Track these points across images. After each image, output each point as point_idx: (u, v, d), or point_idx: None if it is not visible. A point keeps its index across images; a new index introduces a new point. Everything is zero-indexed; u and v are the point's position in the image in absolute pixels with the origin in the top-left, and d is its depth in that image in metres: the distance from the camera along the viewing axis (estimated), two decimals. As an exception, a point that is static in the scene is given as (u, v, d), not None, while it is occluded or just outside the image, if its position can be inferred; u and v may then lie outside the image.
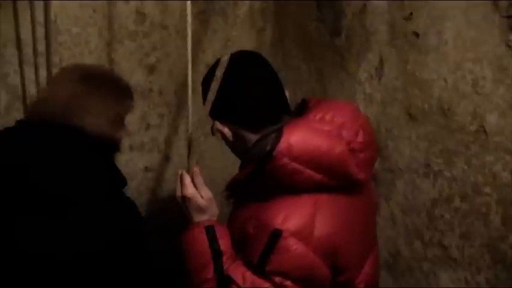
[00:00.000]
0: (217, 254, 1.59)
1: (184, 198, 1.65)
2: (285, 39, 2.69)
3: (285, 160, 1.49)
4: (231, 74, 1.60)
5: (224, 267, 1.57)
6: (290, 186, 1.53)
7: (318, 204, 1.54)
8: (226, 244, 1.61)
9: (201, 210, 1.65)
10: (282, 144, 1.49)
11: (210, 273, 1.57)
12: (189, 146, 1.71)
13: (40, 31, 1.92)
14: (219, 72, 1.62)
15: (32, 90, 2.12)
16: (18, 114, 2.10)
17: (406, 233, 2.11)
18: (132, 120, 2.37)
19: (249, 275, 1.52)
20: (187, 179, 1.65)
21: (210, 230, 1.62)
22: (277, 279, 1.50)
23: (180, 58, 2.42)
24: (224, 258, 1.58)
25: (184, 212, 1.68)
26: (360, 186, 1.63)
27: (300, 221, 1.51)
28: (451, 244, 1.96)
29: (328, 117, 1.58)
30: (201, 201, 1.64)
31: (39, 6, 1.92)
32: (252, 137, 1.62)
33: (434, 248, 2.02)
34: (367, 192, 1.71)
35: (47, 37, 1.66)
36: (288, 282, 1.50)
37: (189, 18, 1.66)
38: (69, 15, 2.15)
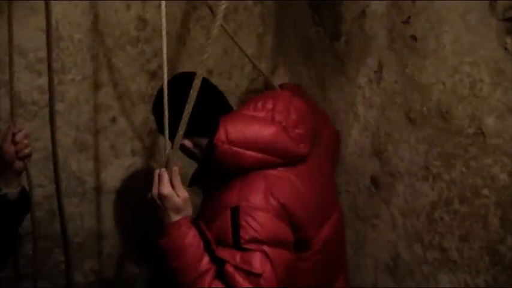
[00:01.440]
0: (208, 244, 1.71)
1: (161, 196, 1.68)
2: (285, 44, 2.71)
3: (225, 146, 1.74)
4: (177, 96, 1.68)
5: (215, 255, 1.70)
6: (237, 168, 1.77)
7: (267, 178, 1.77)
8: (210, 234, 1.74)
9: (177, 209, 1.69)
10: (219, 133, 1.74)
11: (206, 264, 1.68)
12: (170, 145, 1.71)
13: (42, 37, 1.93)
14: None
15: (35, 96, 2.14)
16: (22, 120, 2.12)
17: (406, 236, 2.12)
18: (134, 125, 2.39)
19: (234, 252, 1.67)
20: (165, 178, 1.68)
21: (196, 225, 1.73)
22: (254, 246, 1.66)
23: (182, 64, 2.44)
24: (213, 247, 1.71)
25: (157, 210, 1.72)
26: (304, 158, 1.88)
27: (252, 193, 1.72)
28: (450, 246, 1.96)
29: (259, 105, 1.87)
30: (178, 201, 1.69)
31: (41, 12, 1.94)
32: (204, 141, 1.83)
33: (434, 250, 2.02)
34: (317, 161, 1.98)
35: (48, 43, 1.67)
36: (265, 247, 1.67)
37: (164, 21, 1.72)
38: (71, 22, 2.18)
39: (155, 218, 2.04)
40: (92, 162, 2.35)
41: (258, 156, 1.76)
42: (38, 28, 2.06)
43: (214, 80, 2.55)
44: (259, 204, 1.71)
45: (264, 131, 1.78)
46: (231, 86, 2.66)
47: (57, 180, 1.81)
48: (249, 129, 1.77)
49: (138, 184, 2.48)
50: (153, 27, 2.36)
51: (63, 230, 1.87)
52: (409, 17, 2.01)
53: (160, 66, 2.39)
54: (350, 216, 2.35)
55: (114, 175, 2.43)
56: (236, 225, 1.68)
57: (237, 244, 1.67)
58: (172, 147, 1.69)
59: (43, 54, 1.93)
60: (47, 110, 1.82)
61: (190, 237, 1.68)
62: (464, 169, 1.89)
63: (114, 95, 2.34)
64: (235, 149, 1.74)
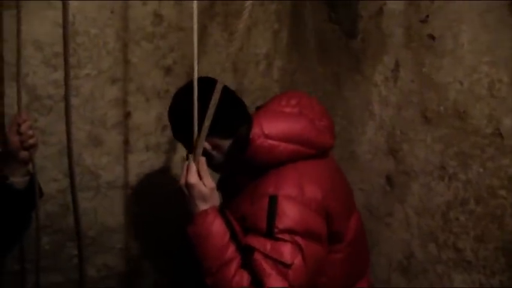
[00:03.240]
0: (234, 233, 1.73)
1: (188, 185, 1.70)
2: (300, 42, 2.70)
3: (261, 139, 1.78)
4: (200, 99, 1.69)
5: (242, 244, 1.72)
6: (273, 161, 1.81)
7: (300, 169, 1.82)
8: (236, 225, 1.76)
9: (204, 198, 1.71)
10: (255, 128, 1.79)
11: (232, 252, 1.70)
12: (197, 136, 1.72)
13: (59, 32, 1.93)
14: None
15: (50, 90, 2.14)
16: (37, 115, 2.13)
17: (421, 235, 2.11)
18: (148, 121, 2.40)
19: (265, 241, 1.69)
20: (193, 168, 1.70)
21: (223, 213, 1.74)
22: (287, 237, 1.68)
23: (198, 60, 2.44)
24: (240, 237, 1.73)
25: (185, 199, 1.73)
26: (328, 151, 1.96)
27: (288, 184, 1.76)
28: (465, 247, 1.96)
29: (284, 102, 1.95)
30: (204, 190, 1.70)
31: (57, 7, 1.94)
32: (226, 143, 1.84)
33: (448, 250, 2.02)
34: (334, 161, 2.05)
35: (65, 38, 1.67)
36: (298, 238, 1.69)
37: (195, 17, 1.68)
38: (87, 17, 2.18)
39: (169, 213, 2.05)
40: (106, 157, 2.36)
41: (293, 148, 1.81)
42: (55, 23, 2.06)
43: (229, 77, 2.56)
44: (296, 195, 1.74)
45: (295, 124, 1.85)
46: (246, 83, 2.65)
47: (71, 174, 1.81)
48: (281, 123, 1.84)
49: (152, 179, 2.49)
50: (169, 23, 2.36)
51: (76, 224, 1.87)
52: (427, 16, 2.00)
53: (176, 62, 2.40)
54: (364, 214, 2.34)
55: (128, 170, 2.43)
56: (273, 213, 1.70)
57: (270, 232, 1.69)
58: (198, 140, 1.70)
59: (59, 48, 1.93)
60: (62, 104, 1.83)
61: (217, 226, 1.70)
62: (481, 169, 1.88)
63: (129, 90, 2.34)
64: (271, 142, 1.79)
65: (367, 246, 2.12)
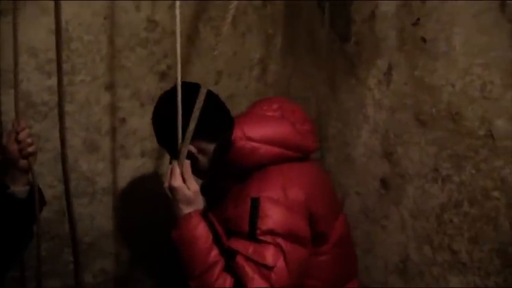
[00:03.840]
0: (218, 236, 1.75)
1: (172, 188, 1.70)
2: (294, 46, 2.71)
3: (243, 142, 1.81)
4: (184, 103, 1.69)
5: (225, 247, 1.73)
6: (255, 163, 1.83)
7: (284, 172, 1.83)
8: (220, 228, 1.78)
9: (188, 201, 1.71)
10: (236, 131, 1.82)
11: (215, 255, 1.70)
12: (182, 140, 1.71)
13: (53, 39, 1.94)
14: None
15: (45, 97, 2.15)
16: (32, 121, 2.13)
17: (416, 237, 2.11)
18: (143, 126, 2.40)
19: (247, 243, 1.70)
20: (177, 171, 1.70)
21: (206, 217, 1.75)
22: (269, 239, 1.69)
23: (191, 65, 2.45)
24: (223, 240, 1.75)
25: (170, 202, 1.73)
26: (310, 154, 1.99)
27: (271, 186, 1.78)
28: (460, 249, 1.96)
29: (265, 106, 1.98)
30: (188, 193, 1.70)
31: (51, 14, 1.95)
32: (211, 147, 1.82)
33: (443, 252, 2.02)
34: (317, 164, 2.08)
35: (58, 45, 1.68)
36: (280, 240, 1.70)
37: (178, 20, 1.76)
38: (81, 23, 2.18)
39: (164, 218, 2.04)
40: (101, 162, 2.36)
41: (276, 151, 1.83)
42: (49, 29, 2.06)
43: (224, 81, 2.57)
44: (279, 197, 1.75)
45: (278, 127, 1.87)
46: (241, 88, 2.66)
47: (66, 180, 1.81)
48: (263, 125, 1.87)
49: (148, 185, 2.49)
50: (163, 29, 2.36)
51: (72, 230, 1.87)
52: (419, 19, 2.01)
53: (170, 67, 2.41)
54: (360, 217, 2.35)
55: (123, 176, 2.43)
56: (255, 215, 1.72)
57: (252, 235, 1.70)
58: (183, 144, 1.70)
59: (53, 55, 1.93)
60: (56, 110, 1.82)
61: (200, 229, 1.70)
62: (474, 171, 1.89)
63: (124, 96, 2.34)
64: (253, 144, 1.81)
65: (354, 251, 2.14)
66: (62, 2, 1.65)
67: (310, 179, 1.89)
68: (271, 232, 1.70)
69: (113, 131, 2.35)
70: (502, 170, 1.81)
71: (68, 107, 2.14)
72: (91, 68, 2.24)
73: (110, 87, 2.30)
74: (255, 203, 1.73)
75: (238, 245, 1.71)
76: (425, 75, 2.01)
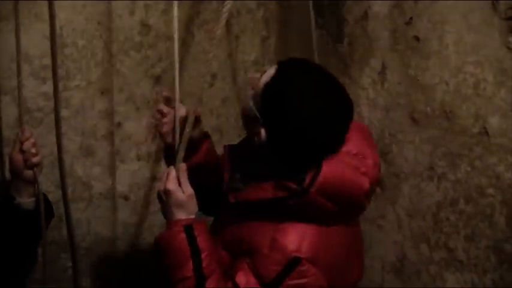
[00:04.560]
0: (195, 252, 1.60)
1: (166, 191, 1.64)
2: (288, 47, 2.71)
3: (317, 196, 1.52)
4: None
5: (203, 265, 1.58)
6: (307, 215, 1.57)
7: (326, 233, 1.59)
8: (205, 241, 1.62)
9: (180, 205, 1.64)
10: (319, 181, 1.51)
11: (189, 271, 1.58)
12: (178, 142, 1.69)
13: (47, 45, 1.94)
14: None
15: (40, 103, 2.15)
16: (27, 127, 2.13)
17: (413, 236, 2.12)
18: (139, 130, 2.40)
19: (255, 285, 1.55)
20: (172, 174, 1.65)
21: (188, 229, 1.62)
22: None
23: (186, 68, 2.45)
24: (203, 256, 1.59)
25: (162, 205, 1.68)
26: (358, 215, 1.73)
27: (313, 248, 1.55)
28: (456, 246, 1.97)
29: (354, 151, 1.60)
30: (181, 197, 1.63)
31: (45, 20, 1.95)
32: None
33: (440, 250, 2.03)
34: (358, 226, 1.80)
35: (52, 50, 1.68)
36: None
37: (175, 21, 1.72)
38: (75, 29, 2.18)
39: (158, 223, 2.04)
40: (97, 167, 2.36)
41: (333, 209, 1.56)
42: (43, 35, 2.06)
43: (218, 85, 2.57)
44: (317, 262, 1.56)
45: (361, 189, 1.58)
46: (235, 91, 2.66)
47: (63, 185, 1.81)
48: (346, 183, 1.56)
49: (144, 188, 2.49)
50: (157, 32, 2.36)
51: (70, 235, 1.87)
52: (411, 18, 2.02)
53: (165, 71, 2.41)
54: (356, 217, 2.35)
55: (119, 180, 2.43)
56: (287, 273, 1.54)
57: (274, 286, 1.54)
58: (180, 145, 1.67)
59: (48, 61, 1.93)
60: (52, 116, 1.82)
61: (178, 240, 1.61)
62: (469, 169, 1.90)
63: (119, 100, 2.34)
64: (323, 200, 1.54)
65: None
66: (55, 7, 1.66)
67: (346, 247, 1.68)
68: None
69: (109, 136, 2.35)
70: (497, 167, 1.82)
71: (64, 112, 2.14)
72: (86, 72, 2.24)
73: (105, 91, 2.30)
74: (295, 263, 1.54)
75: (248, 280, 1.56)
76: (418, 74, 2.02)
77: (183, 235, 1.61)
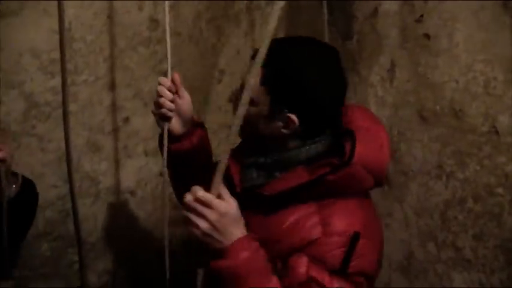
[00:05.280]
0: (274, 265, 1.50)
1: (222, 215, 1.39)
2: (297, 44, 2.70)
3: (358, 167, 1.49)
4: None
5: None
6: (348, 190, 1.53)
7: (365, 207, 1.58)
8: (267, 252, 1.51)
9: (234, 221, 1.43)
10: (358, 150, 1.48)
11: (276, 284, 1.46)
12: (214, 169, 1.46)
13: (55, 39, 1.94)
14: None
15: (48, 97, 2.15)
16: (35, 121, 2.13)
17: (420, 235, 2.12)
18: (146, 126, 2.40)
19: (330, 277, 1.48)
20: (209, 197, 1.39)
21: (260, 243, 1.48)
22: (357, 278, 1.49)
23: (193, 64, 2.45)
24: (279, 265, 1.51)
25: (213, 239, 1.42)
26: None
27: (362, 222, 1.52)
28: (464, 245, 1.96)
29: (366, 126, 1.59)
30: (235, 211, 1.43)
31: (53, 14, 1.95)
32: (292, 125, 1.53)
33: (448, 249, 2.02)
34: None
35: (61, 45, 1.68)
36: (362, 279, 1.51)
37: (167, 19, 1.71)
38: (83, 23, 2.18)
39: (168, 218, 2.04)
40: (105, 162, 2.36)
41: (371, 183, 1.55)
42: (51, 30, 2.06)
43: (226, 80, 2.56)
44: (371, 236, 1.54)
45: (386, 159, 1.58)
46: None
47: (70, 180, 1.81)
48: (378, 154, 1.56)
49: (151, 184, 2.49)
50: (165, 28, 2.36)
51: (76, 230, 1.87)
52: (422, 16, 2.01)
53: (173, 67, 2.40)
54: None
55: (127, 175, 2.43)
56: (351, 252, 1.49)
57: (344, 269, 1.48)
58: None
59: (56, 55, 1.93)
60: (60, 111, 1.82)
61: (259, 259, 1.46)
62: (478, 167, 1.89)
63: (127, 95, 2.34)
64: (365, 173, 1.51)
65: None
66: (64, 2, 1.66)
67: (378, 218, 1.66)
68: (361, 273, 1.51)
69: (116, 131, 2.35)
70: (506, 166, 1.81)
71: (71, 107, 2.13)
72: (94, 68, 2.24)
73: (113, 87, 2.30)
74: (355, 240, 1.49)
75: (322, 275, 1.48)
76: (428, 72, 2.01)
77: (261, 252, 1.47)
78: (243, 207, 1.51)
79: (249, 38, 2.64)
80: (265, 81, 1.51)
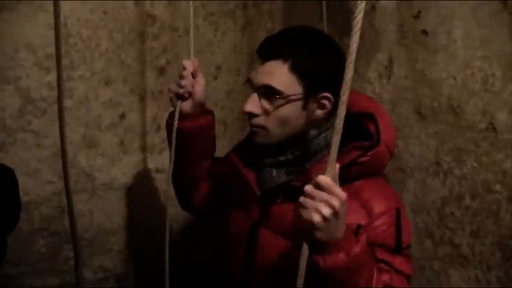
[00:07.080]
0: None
1: (338, 210, 1.25)
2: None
3: (383, 147, 1.57)
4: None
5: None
6: (374, 170, 1.60)
7: (387, 182, 1.68)
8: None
9: (344, 214, 1.30)
10: (382, 128, 1.57)
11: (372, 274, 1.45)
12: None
13: (51, 34, 1.93)
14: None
15: (44, 93, 2.14)
16: (31, 117, 2.12)
17: (417, 231, 2.11)
18: (143, 121, 2.39)
19: (393, 257, 1.51)
20: (335, 186, 1.26)
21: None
22: (407, 251, 1.56)
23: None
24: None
25: (327, 232, 1.29)
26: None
27: (394, 198, 1.61)
28: (461, 242, 1.96)
29: (369, 110, 1.65)
30: (344, 205, 1.29)
31: (49, 9, 1.94)
32: (322, 113, 1.60)
33: (445, 246, 2.02)
34: None
35: (57, 40, 1.67)
36: (409, 251, 1.58)
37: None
38: (79, 19, 2.17)
39: (164, 214, 2.02)
40: (101, 158, 2.35)
41: (387, 164, 1.65)
42: (47, 25, 2.05)
43: (223, 76, 2.56)
44: (403, 206, 1.64)
45: (394, 132, 1.67)
46: (240, 82, 2.65)
47: (66, 176, 1.80)
48: (393, 133, 1.66)
49: (147, 180, 2.48)
50: (162, 23, 2.36)
51: (72, 226, 1.86)
52: (420, 12, 2.00)
53: (169, 62, 2.40)
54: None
55: (123, 171, 2.42)
56: (400, 228, 1.53)
57: (399, 247, 1.52)
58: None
59: (52, 50, 1.92)
60: (55, 106, 1.81)
61: (367, 254, 1.42)
62: (475, 164, 1.89)
63: (123, 91, 2.33)
64: (387, 152, 1.60)
65: None
66: (60, -3, 1.65)
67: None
68: (408, 245, 1.56)
69: (113, 127, 2.35)
70: (503, 163, 1.80)
71: (67, 103, 2.14)
72: (90, 63, 2.23)
73: (109, 82, 2.29)
74: (399, 215, 1.53)
75: (383, 255, 1.49)
76: (425, 68, 2.01)
77: (366, 247, 1.41)
78: (267, 206, 1.64)
79: (245, 34, 2.64)
80: (294, 68, 1.55)
